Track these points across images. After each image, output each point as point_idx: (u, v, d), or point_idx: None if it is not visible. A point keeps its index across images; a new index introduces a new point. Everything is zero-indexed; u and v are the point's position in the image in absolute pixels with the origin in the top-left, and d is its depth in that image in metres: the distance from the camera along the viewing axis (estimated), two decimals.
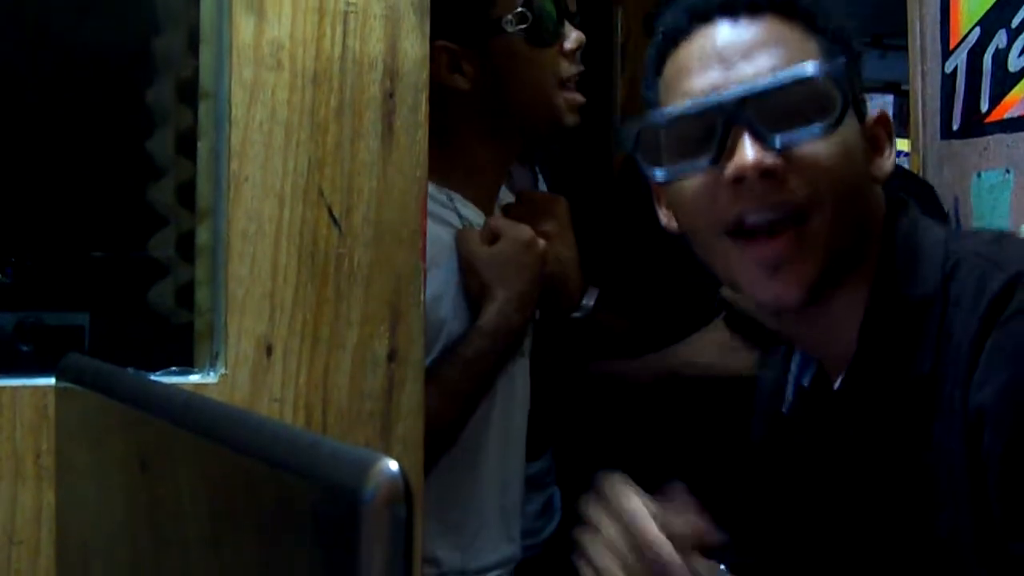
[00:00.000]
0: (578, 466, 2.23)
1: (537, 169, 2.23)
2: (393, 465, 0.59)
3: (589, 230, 2.22)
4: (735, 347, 1.96)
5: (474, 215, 1.74)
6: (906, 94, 2.35)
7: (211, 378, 1.33)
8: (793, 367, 1.27)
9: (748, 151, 1.07)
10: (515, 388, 1.76)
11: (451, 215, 1.71)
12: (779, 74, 1.10)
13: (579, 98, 1.77)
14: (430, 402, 1.47)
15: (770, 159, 1.08)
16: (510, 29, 1.69)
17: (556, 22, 1.73)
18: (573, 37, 1.75)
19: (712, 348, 2.01)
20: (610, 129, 2.60)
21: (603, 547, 1.11)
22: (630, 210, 2.14)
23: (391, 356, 1.40)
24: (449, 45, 1.67)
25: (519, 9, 1.69)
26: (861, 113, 1.16)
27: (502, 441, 1.74)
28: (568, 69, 1.75)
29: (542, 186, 2.22)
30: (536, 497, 2.11)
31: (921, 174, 2.19)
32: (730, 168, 1.09)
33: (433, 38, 1.53)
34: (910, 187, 2.08)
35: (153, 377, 1.30)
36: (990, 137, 2.05)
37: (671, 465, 2.04)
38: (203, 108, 1.38)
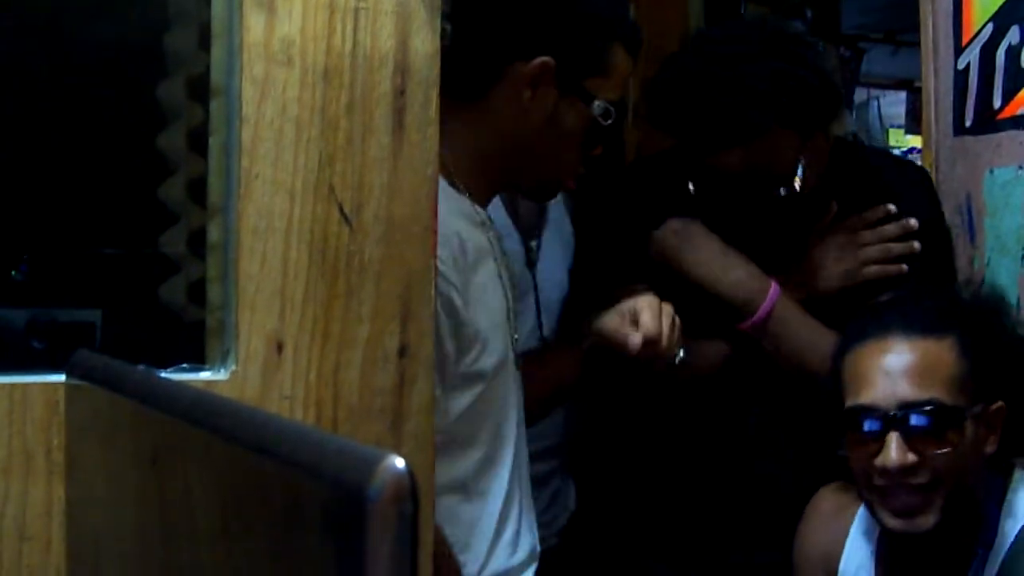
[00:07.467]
0: (592, 459, 2.23)
1: None
2: (400, 462, 0.59)
3: (598, 229, 2.21)
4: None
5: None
6: (919, 90, 2.35)
7: (222, 375, 1.33)
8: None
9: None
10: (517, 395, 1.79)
11: (482, 215, 1.73)
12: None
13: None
14: None
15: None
16: (595, 110, 1.70)
17: (603, 132, 1.74)
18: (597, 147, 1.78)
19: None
20: (621, 127, 2.58)
21: None
22: (638, 213, 2.14)
23: (402, 352, 1.40)
24: (549, 62, 1.66)
25: (610, 104, 1.71)
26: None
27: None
28: (574, 162, 1.79)
29: None
30: (541, 493, 2.11)
31: (934, 170, 2.18)
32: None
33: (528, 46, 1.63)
34: (907, 176, 2.08)
35: (163, 374, 1.30)
36: (1003, 133, 2.04)
37: (683, 459, 2.05)
38: (214, 105, 1.38)
